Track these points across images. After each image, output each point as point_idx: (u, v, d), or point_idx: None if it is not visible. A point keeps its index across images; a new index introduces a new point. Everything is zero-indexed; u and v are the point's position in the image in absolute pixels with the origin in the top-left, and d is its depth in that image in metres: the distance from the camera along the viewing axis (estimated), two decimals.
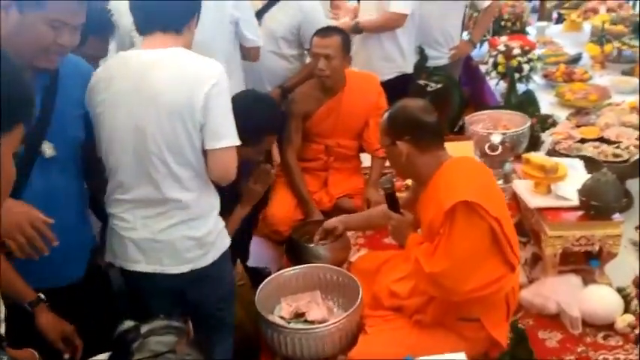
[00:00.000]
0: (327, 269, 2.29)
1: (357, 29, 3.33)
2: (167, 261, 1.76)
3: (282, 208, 2.77)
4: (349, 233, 2.71)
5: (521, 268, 2.31)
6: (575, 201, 2.13)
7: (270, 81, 3.03)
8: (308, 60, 3.05)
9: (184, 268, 1.79)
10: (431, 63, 3.51)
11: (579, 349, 1.98)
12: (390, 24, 3.30)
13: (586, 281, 2.14)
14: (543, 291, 2.12)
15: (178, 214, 1.74)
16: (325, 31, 2.75)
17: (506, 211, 1.84)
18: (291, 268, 2.30)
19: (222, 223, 1.89)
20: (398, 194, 2.06)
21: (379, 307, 2.08)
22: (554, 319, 2.09)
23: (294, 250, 2.42)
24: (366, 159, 3.04)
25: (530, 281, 2.25)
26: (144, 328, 1.26)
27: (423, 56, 3.42)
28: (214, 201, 1.85)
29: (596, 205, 2.04)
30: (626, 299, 2.04)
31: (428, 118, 1.85)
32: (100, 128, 1.74)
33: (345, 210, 2.78)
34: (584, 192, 2.07)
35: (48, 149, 1.59)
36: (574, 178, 2.20)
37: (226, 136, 1.72)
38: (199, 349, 1.27)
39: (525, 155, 2.29)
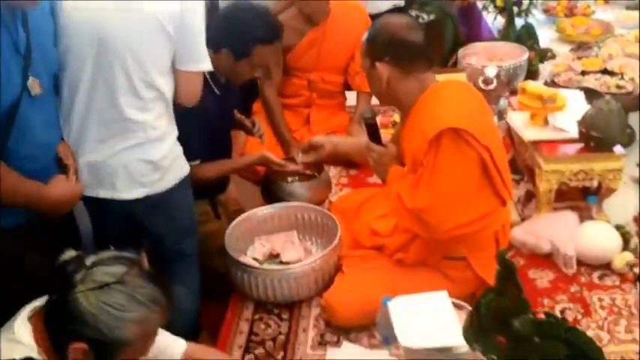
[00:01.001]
0: (305, 208, 2.13)
1: None
2: (121, 185, 1.65)
3: (260, 147, 2.59)
4: (331, 173, 2.56)
5: (514, 206, 2.17)
6: (573, 133, 1.96)
7: None
8: None
9: (139, 193, 1.68)
10: None
11: (572, 289, 1.84)
12: None
13: (582, 219, 1.99)
14: (536, 229, 1.97)
15: (134, 136, 1.64)
16: None
17: (498, 139, 1.68)
18: (266, 207, 2.15)
19: (179, 149, 1.78)
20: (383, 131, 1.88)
21: (359, 247, 1.94)
22: (547, 259, 1.95)
23: (269, 189, 2.26)
24: (352, 98, 2.85)
25: (523, 220, 2.10)
26: (90, 260, 1.13)
27: None
28: (172, 125, 1.75)
29: (596, 137, 1.87)
30: (625, 237, 1.90)
31: (411, 37, 1.64)
32: (61, 35, 1.58)
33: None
34: (585, 122, 1.90)
35: (34, 86, 1.47)
36: (573, 109, 2.03)
37: (203, 59, 1.67)
38: (154, 282, 1.13)
39: (521, 84, 2.10)
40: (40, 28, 1.49)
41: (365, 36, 1.70)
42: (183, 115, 1.93)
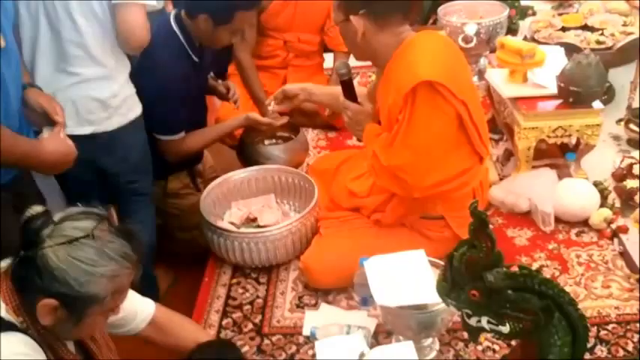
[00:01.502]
0: (282, 171, 2.09)
1: None
2: (69, 121, 1.61)
3: (235, 111, 2.53)
4: (309, 135, 2.51)
5: (493, 166, 2.15)
6: (553, 89, 1.93)
7: None
8: None
9: (86, 130, 1.70)
10: None
11: (550, 247, 1.83)
12: None
13: (561, 176, 1.98)
14: (515, 187, 1.95)
15: (79, 72, 1.66)
16: None
17: (476, 94, 1.64)
18: (243, 170, 2.11)
19: (131, 90, 1.80)
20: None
21: (337, 208, 1.91)
22: (526, 217, 1.94)
23: (246, 153, 2.21)
24: (329, 59, 2.79)
25: (502, 179, 2.08)
26: (58, 215, 1.09)
27: None
28: (123, 64, 1.76)
29: (575, 91, 1.84)
30: (603, 193, 1.89)
31: None
32: None
33: (306, 111, 2.56)
34: (564, 77, 1.86)
35: (1, 40, 1.40)
36: (553, 65, 1.99)
37: None
38: (124, 237, 1.09)
39: (500, 39, 2.06)
40: None
41: None
42: (162, 86, 1.88)
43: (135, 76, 1.83)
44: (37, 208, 1.10)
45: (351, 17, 1.59)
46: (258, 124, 2.15)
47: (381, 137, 1.64)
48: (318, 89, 2.07)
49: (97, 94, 1.69)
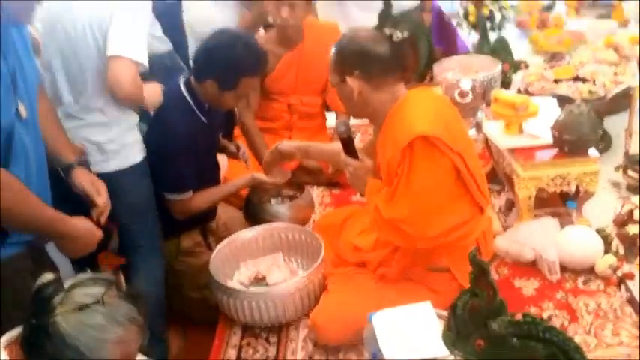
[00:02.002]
0: (289, 228, 2.13)
1: None
2: None
3: (242, 172, 2.59)
4: (314, 193, 2.56)
5: (496, 216, 2.18)
6: (548, 139, 1.98)
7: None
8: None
9: None
10: (397, 9, 3.34)
11: (558, 296, 1.84)
12: None
13: (563, 224, 2.00)
14: (518, 237, 1.97)
15: (85, 117, 1.87)
16: None
17: (471, 146, 1.69)
18: (250, 229, 2.15)
19: (134, 138, 1.94)
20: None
21: (343, 264, 1.93)
22: (531, 267, 1.95)
23: (253, 212, 2.26)
24: (332, 119, 2.88)
25: (505, 229, 2.11)
26: (68, 282, 1.13)
27: (387, 4, 3.22)
28: (125, 115, 1.91)
29: (570, 140, 1.89)
30: (606, 240, 1.90)
31: (379, 49, 1.66)
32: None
33: (309, 170, 2.62)
34: (557, 127, 1.92)
35: (22, 110, 1.46)
36: (547, 116, 2.05)
37: (122, 46, 1.77)
38: (132, 301, 1.12)
39: (494, 93, 2.13)
40: (17, 49, 1.49)
41: (332, 51, 1.71)
42: (170, 146, 1.97)
43: (146, 136, 1.95)
44: (48, 276, 1.14)
45: (347, 78, 1.66)
46: (264, 184, 2.21)
47: (382, 191, 1.69)
48: (314, 147, 2.14)
49: (94, 138, 1.86)
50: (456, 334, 1.11)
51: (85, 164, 1.72)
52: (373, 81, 1.66)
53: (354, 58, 1.66)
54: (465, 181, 1.61)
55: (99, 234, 1.53)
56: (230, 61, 1.95)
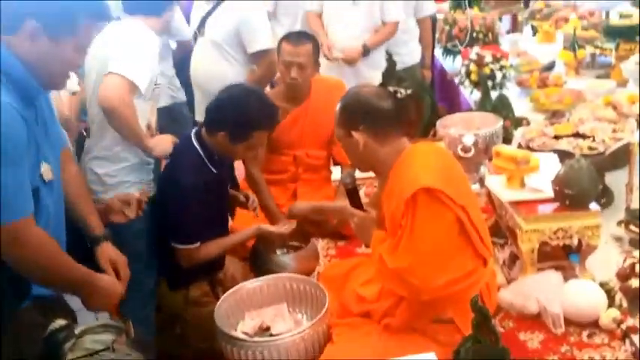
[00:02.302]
0: (294, 279, 2.14)
1: (366, 50, 3.41)
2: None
3: (248, 222, 2.63)
4: (319, 244, 2.58)
5: (500, 270, 2.19)
6: (549, 193, 2.02)
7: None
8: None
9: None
10: (400, 65, 3.48)
11: (563, 349, 1.83)
12: (393, 33, 3.44)
13: (567, 278, 2.01)
14: (523, 290, 1.98)
15: (93, 151, 2.19)
16: (296, 38, 2.65)
17: (474, 199, 1.73)
18: (255, 280, 2.16)
19: (135, 179, 2.17)
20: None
21: (348, 314, 1.94)
22: (536, 320, 1.95)
23: (258, 262, 2.28)
24: (337, 171, 2.94)
25: (509, 282, 2.11)
26: (78, 328, 1.16)
27: (391, 62, 3.33)
28: (128, 154, 2.15)
29: (571, 194, 1.93)
30: (610, 294, 1.91)
31: (383, 104, 1.74)
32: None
33: (315, 221, 2.65)
34: (558, 181, 1.96)
35: (48, 173, 1.52)
36: (548, 170, 2.09)
37: (119, 65, 1.99)
38: (141, 350, 1.15)
39: (496, 148, 2.18)
40: (44, 112, 1.56)
41: (338, 106, 1.79)
42: (180, 196, 2.02)
43: (158, 185, 2.00)
44: (60, 322, 1.17)
45: (352, 132, 1.73)
46: (270, 235, 2.24)
47: (386, 242, 1.72)
48: (326, 206, 2.19)
49: (96, 170, 2.15)
50: None
51: (110, 237, 1.76)
52: (378, 135, 1.72)
53: (359, 113, 1.73)
54: (468, 233, 1.65)
55: (121, 289, 1.57)
56: (243, 115, 2.03)
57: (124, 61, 1.98)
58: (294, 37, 2.67)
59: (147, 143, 2.11)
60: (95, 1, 1.49)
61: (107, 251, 1.68)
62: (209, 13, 2.88)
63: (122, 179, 2.14)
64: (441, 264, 1.63)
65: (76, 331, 1.16)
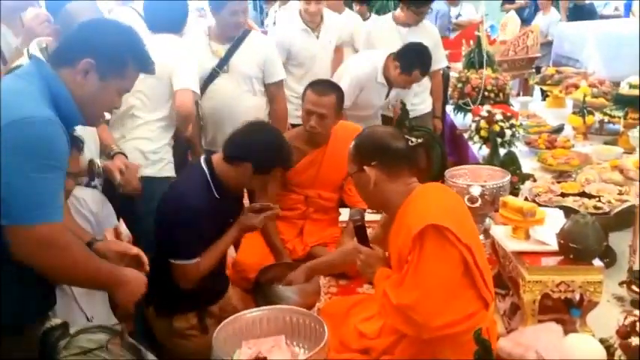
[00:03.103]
0: (294, 312, 2.14)
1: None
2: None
3: (252, 255, 2.66)
4: (321, 282, 2.59)
5: (500, 319, 2.19)
6: (554, 246, 2.04)
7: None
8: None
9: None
10: (412, 114, 3.59)
11: None
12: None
13: (567, 332, 2.00)
14: (522, 340, 1.96)
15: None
16: (322, 88, 2.73)
17: (479, 242, 1.76)
18: (255, 310, 2.16)
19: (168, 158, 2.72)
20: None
21: (346, 350, 1.94)
22: None
23: (261, 293, 2.29)
24: (345, 213, 2.97)
25: (509, 332, 2.11)
26: (74, 329, 1.17)
27: (404, 111, 3.44)
28: (166, 137, 2.73)
29: (575, 248, 1.95)
30: (609, 350, 1.89)
31: (396, 144, 1.80)
32: None
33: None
34: (563, 235, 1.98)
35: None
36: (553, 224, 2.12)
37: (181, 80, 2.60)
38: (133, 352, 1.16)
39: (503, 199, 2.22)
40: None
41: (353, 143, 1.85)
42: (180, 213, 2.06)
43: (161, 202, 2.10)
44: (55, 320, 1.19)
45: (366, 168, 1.78)
46: (252, 226, 2.29)
47: (391, 278, 1.74)
48: (316, 264, 2.28)
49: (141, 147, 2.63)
50: None
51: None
52: (390, 172, 1.77)
53: (373, 149, 1.79)
54: (472, 274, 1.67)
55: (144, 279, 1.60)
56: (270, 150, 2.13)
57: (182, 75, 2.60)
58: (319, 87, 2.74)
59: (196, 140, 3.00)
60: (145, 55, 1.60)
61: (104, 247, 1.70)
62: (231, 53, 3.00)
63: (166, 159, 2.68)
64: (445, 303, 1.64)
65: (71, 331, 1.17)
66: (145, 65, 1.61)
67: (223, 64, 2.98)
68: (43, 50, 1.49)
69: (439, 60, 3.98)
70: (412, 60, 3.34)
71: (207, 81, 3.00)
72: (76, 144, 1.94)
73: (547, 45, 6.07)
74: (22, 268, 1.31)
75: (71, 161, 1.63)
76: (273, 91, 3.12)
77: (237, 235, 2.34)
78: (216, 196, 2.16)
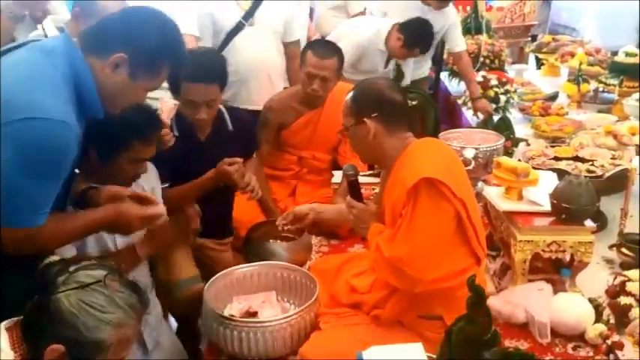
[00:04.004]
0: (285, 268, 2.14)
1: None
2: None
3: (245, 213, 2.64)
4: (312, 241, 2.59)
5: (490, 279, 2.20)
6: (546, 207, 2.04)
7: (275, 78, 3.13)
8: None
9: None
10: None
11: (547, 359, 1.83)
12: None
13: (557, 291, 2.02)
14: (512, 298, 1.99)
15: None
16: (323, 51, 2.64)
17: (473, 197, 1.75)
18: (246, 265, 2.16)
19: None
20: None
21: (337, 305, 1.94)
22: (523, 329, 1.95)
23: (251, 250, 2.28)
24: (338, 175, 2.95)
25: (499, 292, 2.12)
26: (73, 266, 1.17)
27: (399, 72, 3.41)
28: None
29: (567, 208, 1.95)
30: (598, 309, 1.92)
31: (396, 96, 1.77)
32: None
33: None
34: (556, 195, 1.98)
35: None
36: (546, 185, 2.12)
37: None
38: (132, 289, 1.15)
39: (497, 159, 2.21)
40: None
41: (350, 95, 1.81)
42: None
43: None
44: (53, 257, 1.17)
45: (366, 120, 1.75)
46: (230, 177, 2.23)
47: (384, 232, 1.73)
48: (326, 208, 2.24)
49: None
50: None
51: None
52: (388, 125, 1.75)
53: (373, 101, 1.76)
54: (466, 229, 1.66)
55: (154, 211, 1.61)
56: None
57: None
58: (320, 50, 2.65)
59: None
60: (183, 58, 1.52)
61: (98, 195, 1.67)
62: (256, 5, 2.97)
63: None
64: (437, 257, 1.64)
65: (70, 269, 1.17)
66: (181, 68, 1.55)
67: (248, 16, 2.94)
68: (60, 30, 1.44)
69: (459, 41, 3.83)
70: (416, 38, 3.34)
71: (231, 34, 2.94)
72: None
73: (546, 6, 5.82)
74: None
75: None
76: (293, 50, 3.11)
77: (213, 180, 2.30)
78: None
